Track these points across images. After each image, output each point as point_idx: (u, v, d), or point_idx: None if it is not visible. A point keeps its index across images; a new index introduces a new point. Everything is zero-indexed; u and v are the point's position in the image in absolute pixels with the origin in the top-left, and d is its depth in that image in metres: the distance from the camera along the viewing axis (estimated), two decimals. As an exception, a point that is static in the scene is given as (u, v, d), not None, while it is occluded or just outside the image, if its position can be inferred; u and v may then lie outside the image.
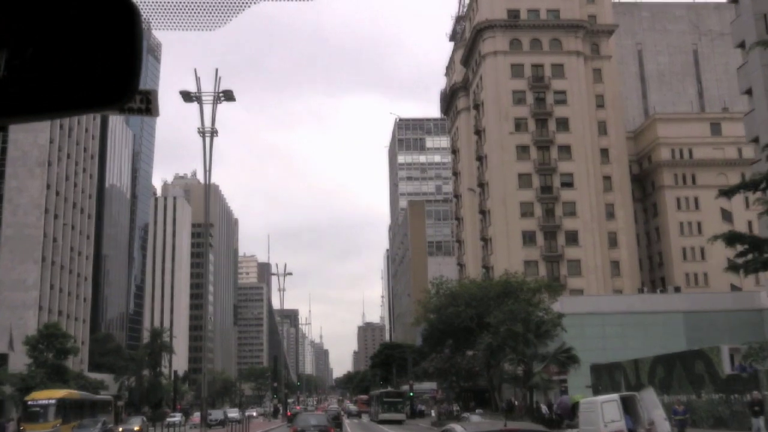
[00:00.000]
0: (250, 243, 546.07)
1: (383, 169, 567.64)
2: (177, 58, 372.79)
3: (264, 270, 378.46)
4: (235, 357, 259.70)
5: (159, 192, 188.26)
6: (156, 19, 1.82)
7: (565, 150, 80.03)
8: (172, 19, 2.05)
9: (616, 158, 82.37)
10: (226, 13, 2.00)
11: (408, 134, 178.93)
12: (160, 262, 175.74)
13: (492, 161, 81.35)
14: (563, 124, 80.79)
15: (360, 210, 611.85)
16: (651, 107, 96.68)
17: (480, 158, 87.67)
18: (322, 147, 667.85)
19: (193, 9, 2.01)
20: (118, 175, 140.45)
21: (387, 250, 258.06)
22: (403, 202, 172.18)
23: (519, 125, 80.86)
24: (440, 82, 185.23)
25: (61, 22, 1.39)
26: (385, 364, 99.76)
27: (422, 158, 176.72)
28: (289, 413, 70.19)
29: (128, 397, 79.66)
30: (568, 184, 78.93)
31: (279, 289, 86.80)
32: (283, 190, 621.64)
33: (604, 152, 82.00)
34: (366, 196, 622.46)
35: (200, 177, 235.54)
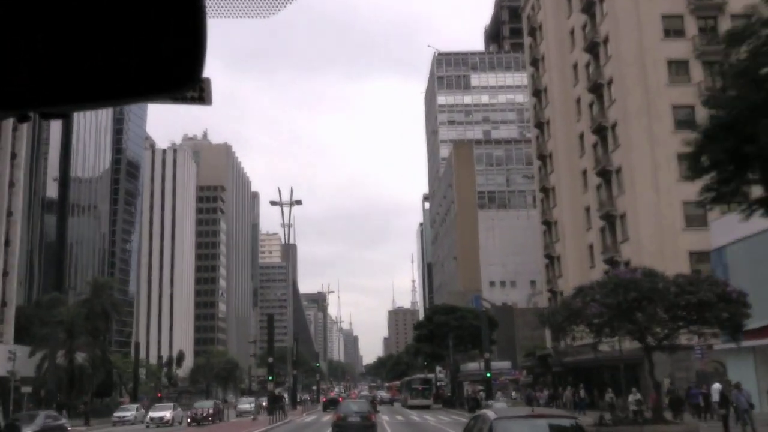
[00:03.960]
0: (274, 228, 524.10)
1: (413, 149, 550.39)
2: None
3: (288, 251, 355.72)
4: (256, 341, 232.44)
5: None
6: (211, 6, 1.57)
7: None
8: (227, 6, 1.86)
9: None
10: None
11: (449, 71, 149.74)
12: (158, 226, 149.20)
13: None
14: None
15: (388, 197, 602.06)
16: None
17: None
18: (348, 132, 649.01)
19: None
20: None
21: (420, 224, 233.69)
22: (444, 151, 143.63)
23: None
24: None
25: (126, 6, 1.37)
26: (433, 336, 71.33)
27: (467, 99, 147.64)
28: (324, 399, 71.66)
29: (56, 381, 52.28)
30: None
31: (282, 225, 59.91)
32: (309, 176, 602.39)
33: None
34: (393, 183, 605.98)
35: (212, 138, 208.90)
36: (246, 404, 58.52)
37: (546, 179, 65.12)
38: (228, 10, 1.92)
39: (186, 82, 1.43)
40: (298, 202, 59.29)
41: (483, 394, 50.97)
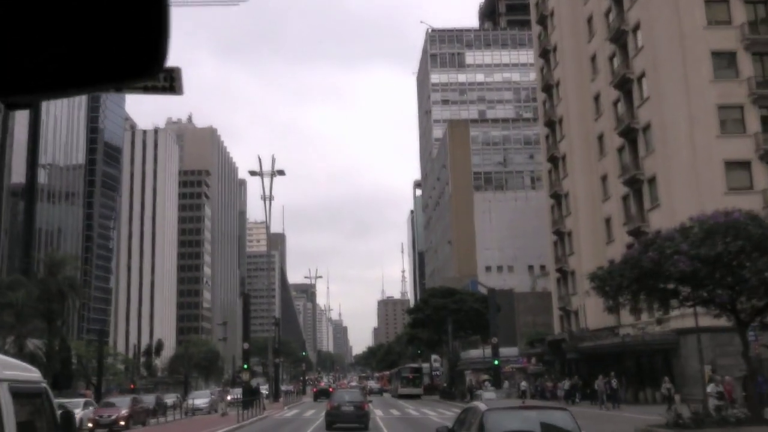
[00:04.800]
0: (262, 216, 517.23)
1: (403, 140, 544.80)
2: (189, 29, 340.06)
3: (277, 240, 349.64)
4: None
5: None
6: None
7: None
8: None
9: None
10: None
11: (443, 48, 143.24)
12: (138, 209, 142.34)
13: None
14: None
15: (377, 188, 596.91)
16: None
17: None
18: (338, 123, 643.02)
19: None
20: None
21: (411, 212, 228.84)
22: (437, 131, 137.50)
23: None
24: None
25: None
26: (429, 321, 65.23)
27: (461, 77, 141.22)
28: (314, 390, 72.19)
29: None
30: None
31: (263, 198, 53.49)
32: (297, 166, 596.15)
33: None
34: (383, 174, 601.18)
35: (197, 123, 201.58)
36: (201, 399, 45.35)
37: (555, 148, 59.01)
38: None
39: (150, 70, 1.40)
40: (281, 172, 52.85)
41: (488, 384, 44.98)
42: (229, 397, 45.49)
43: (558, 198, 58.58)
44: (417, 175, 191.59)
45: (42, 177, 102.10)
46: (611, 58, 47.76)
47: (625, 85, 45.35)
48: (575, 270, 54.72)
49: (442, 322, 62.13)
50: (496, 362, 41.15)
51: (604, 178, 51.35)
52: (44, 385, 6.31)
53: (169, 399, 43.98)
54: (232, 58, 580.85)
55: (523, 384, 46.13)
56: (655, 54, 41.55)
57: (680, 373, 37.38)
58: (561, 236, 58.31)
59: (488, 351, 48.90)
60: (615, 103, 47.29)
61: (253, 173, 54.42)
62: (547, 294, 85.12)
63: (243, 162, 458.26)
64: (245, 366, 41.47)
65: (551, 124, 59.61)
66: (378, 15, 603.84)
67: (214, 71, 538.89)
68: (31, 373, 6.21)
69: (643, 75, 43.16)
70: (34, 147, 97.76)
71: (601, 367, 44.69)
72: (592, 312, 49.04)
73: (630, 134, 44.74)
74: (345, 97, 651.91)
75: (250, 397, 38.35)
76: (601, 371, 43.68)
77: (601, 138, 51.71)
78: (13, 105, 1.48)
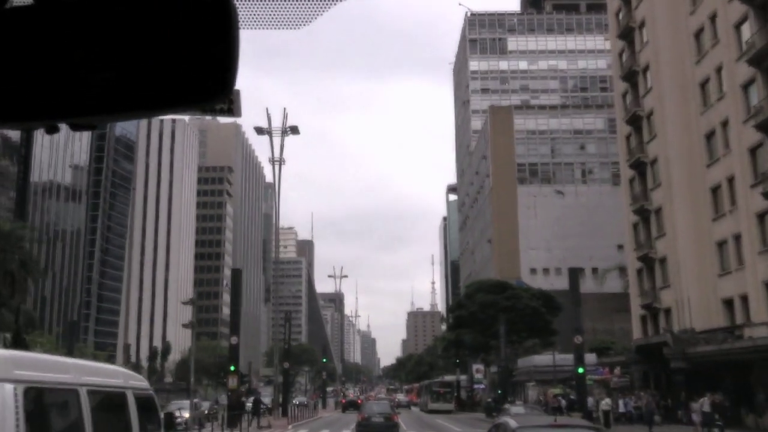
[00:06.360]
0: (289, 221, 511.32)
1: (434, 153, 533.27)
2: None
3: (305, 247, 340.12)
4: (267, 338, 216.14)
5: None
6: (243, 17, 1.68)
7: None
8: (259, 18, 1.92)
9: None
10: (313, 11, 1.94)
11: (483, 33, 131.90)
12: (153, 203, 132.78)
13: None
14: None
15: (407, 200, 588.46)
16: None
17: None
18: (368, 134, 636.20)
19: (281, 8, 1.91)
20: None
21: (444, 219, 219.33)
22: (476, 123, 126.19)
23: None
24: None
25: (159, 18, 1.37)
26: (475, 321, 53.51)
27: (502, 64, 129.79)
28: (343, 401, 72.18)
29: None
30: None
31: (271, 160, 42.77)
32: (327, 177, 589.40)
33: None
34: (412, 186, 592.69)
35: (221, 119, 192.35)
36: (182, 410, 31.85)
37: (637, 104, 47.09)
38: (259, 22, 1.87)
39: (217, 95, 1.41)
40: (294, 129, 42.08)
41: (564, 402, 33.22)
42: (205, 410, 34.39)
43: (641, 167, 46.65)
44: (449, 184, 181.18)
45: (41, 174, 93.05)
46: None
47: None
48: (667, 256, 42.76)
49: (489, 323, 50.43)
50: (580, 370, 29.44)
51: (709, 135, 39.50)
52: (151, 391, 8.41)
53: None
54: (261, 66, 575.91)
55: (606, 402, 34.32)
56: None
57: None
58: (645, 215, 46.32)
59: (559, 357, 37.19)
60: (737, 25, 35.49)
61: (259, 131, 43.89)
62: (610, 296, 72.83)
63: (269, 170, 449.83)
64: (232, 368, 30.18)
65: (631, 76, 47.73)
66: (408, 25, 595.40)
67: (244, 79, 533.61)
68: (144, 383, 8.35)
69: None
70: (28, 138, 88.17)
71: (714, 382, 32.74)
72: (699, 308, 37.01)
73: (763, 62, 32.84)
74: (375, 107, 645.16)
75: (238, 411, 27.26)
76: (719, 384, 31.78)
77: (704, 84, 39.94)
78: (78, 126, 1.47)
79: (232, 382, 30.01)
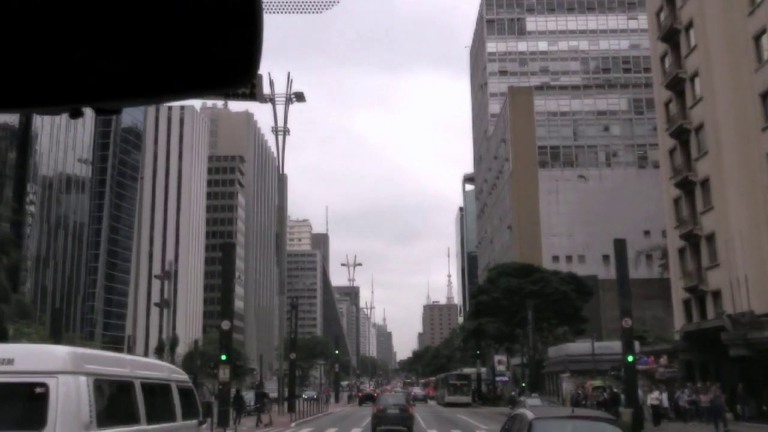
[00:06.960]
0: (304, 213, 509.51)
1: (448, 146, 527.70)
2: None
3: (320, 240, 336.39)
4: (279, 331, 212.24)
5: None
6: (267, 1, 1.63)
7: None
8: (283, 2, 1.91)
9: None
10: None
11: (501, 13, 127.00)
12: (161, 192, 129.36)
13: None
14: None
15: (422, 194, 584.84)
16: None
17: None
18: (383, 127, 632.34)
19: None
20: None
21: (460, 209, 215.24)
22: (494, 106, 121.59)
23: None
24: None
25: (182, 1, 1.35)
26: (498, 309, 49.06)
27: (521, 45, 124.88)
28: (360, 394, 72.94)
29: None
30: None
31: (274, 130, 38.65)
32: (342, 171, 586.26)
33: None
34: (428, 180, 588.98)
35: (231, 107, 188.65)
36: None
37: (679, 66, 42.38)
38: (283, 6, 1.75)
39: (242, 78, 1.39)
40: (299, 96, 38.01)
41: (607, 395, 28.86)
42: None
43: (683, 135, 42.00)
44: (465, 174, 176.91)
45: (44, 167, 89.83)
46: None
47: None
48: (715, 232, 38.16)
49: (514, 310, 46.06)
50: (630, 358, 24.81)
51: (765, 95, 34.83)
52: (191, 383, 10.09)
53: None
54: (277, 59, 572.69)
55: (655, 396, 29.87)
56: None
57: None
58: (689, 188, 41.68)
59: (597, 344, 32.79)
60: None
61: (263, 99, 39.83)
62: (642, 282, 68.20)
63: (287, 169, 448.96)
64: (223, 357, 25.74)
65: (672, 35, 43.06)
66: (424, 18, 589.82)
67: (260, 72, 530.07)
68: (184, 376, 9.94)
69: None
70: (27, 126, 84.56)
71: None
72: (757, 289, 32.46)
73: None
74: (391, 101, 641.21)
75: (226, 407, 23.22)
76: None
77: (758, 37, 35.27)
78: (102, 110, 1.47)
79: (224, 373, 25.85)
